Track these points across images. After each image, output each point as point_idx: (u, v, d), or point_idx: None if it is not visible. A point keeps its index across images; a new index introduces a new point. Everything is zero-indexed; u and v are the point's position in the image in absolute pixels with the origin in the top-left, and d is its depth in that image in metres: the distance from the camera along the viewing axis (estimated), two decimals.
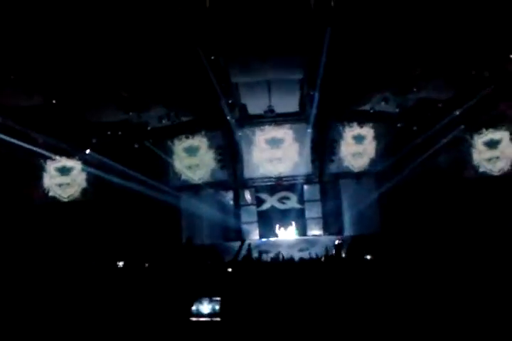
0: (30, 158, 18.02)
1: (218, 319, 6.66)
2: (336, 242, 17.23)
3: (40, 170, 18.92)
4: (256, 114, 19.09)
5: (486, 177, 18.38)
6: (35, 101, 16.02)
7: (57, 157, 18.66)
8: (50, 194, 19.03)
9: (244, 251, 17.64)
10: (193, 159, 19.71)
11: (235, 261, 14.92)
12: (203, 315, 6.74)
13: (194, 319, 6.72)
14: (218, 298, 6.81)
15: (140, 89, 16.19)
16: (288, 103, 18.51)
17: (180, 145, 19.72)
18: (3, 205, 17.34)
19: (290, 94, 17.83)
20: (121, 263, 14.62)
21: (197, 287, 8.61)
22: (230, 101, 17.68)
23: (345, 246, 16.86)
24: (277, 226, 20.23)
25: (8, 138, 16.13)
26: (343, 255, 16.02)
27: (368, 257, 11.85)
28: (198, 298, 6.90)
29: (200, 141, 19.67)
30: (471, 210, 17.19)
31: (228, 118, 18.42)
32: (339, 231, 19.73)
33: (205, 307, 6.73)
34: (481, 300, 7.21)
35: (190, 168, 19.73)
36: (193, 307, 6.74)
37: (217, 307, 6.69)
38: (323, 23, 13.33)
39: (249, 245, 18.17)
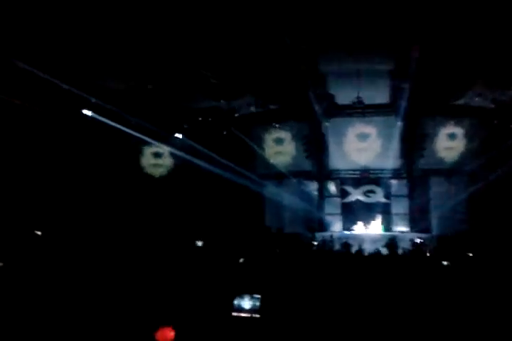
0: (133, 143, 19.31)
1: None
2: (417, 241, 16.75)
3: (140, 153, 20.35)
4: (344, 105, 18.67)
5: None
6: (132, 85, 16.82)
7: (153, 141, 19.57)
8: (146, 171, 20.44)
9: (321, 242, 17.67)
10: (279, 148, 19.84)
11: (308, 251, 15.00)
12: None
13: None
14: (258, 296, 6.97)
15: (231, 76, 16.48)
16: (377, 94, 17.91)
17: (266, 134, 19.90)
18: (113, 178, 18.88)
19: (380, 85, 17.19)
20: (200, 243, 15.24)
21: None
22: (318, 91, 17.47)
23: (428, 246, 16.49)
24: (357, 222, 19.94)
25: (118, 126, 17.40)
26: (426, 254, 15.69)
27: (445, 263, 11.43)
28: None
29: (286, 130, 19.75)
30: None
31: (316, 108, 18.23)
32: (426, 229, 19.09)
33: (247, 303, 6.89)
34: None
35: (275, 156, 19.90)
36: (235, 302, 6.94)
37: (257, 303, 6.85)
38: (419, 14, 12.81)
39: (331, 237, 18.17)
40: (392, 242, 16.99)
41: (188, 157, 19.38)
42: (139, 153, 20.20)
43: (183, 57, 15.08)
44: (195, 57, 15.16)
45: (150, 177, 20.17)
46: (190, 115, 19.23)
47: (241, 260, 13.22)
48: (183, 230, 17.46)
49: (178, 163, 19.97)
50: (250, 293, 7.05)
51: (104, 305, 7.45)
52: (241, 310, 6.91)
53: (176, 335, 6.06)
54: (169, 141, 19.67)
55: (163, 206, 19.08)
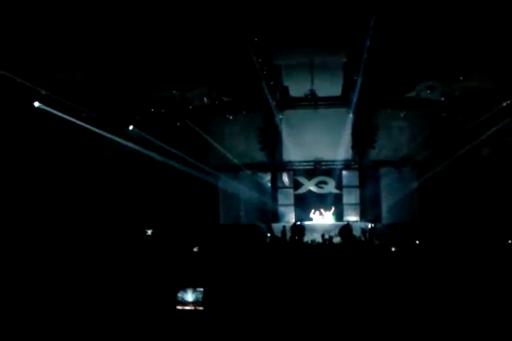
0: (83, 135, 18.66)
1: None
2: (368, 226, 17.18)
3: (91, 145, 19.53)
4: (297, 97, 18.95)
5: None
6: (83, 75, 16.34)
7: (104, 133, 19.02)
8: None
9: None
10: (233, 139, 19.91)
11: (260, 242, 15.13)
12: None
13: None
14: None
15: (184, 68, 16.28)
16: (330, 87, 18.21)
17: (220, 125, 19.87)
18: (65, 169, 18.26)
19: (333, 78, 17.49)
20: (149, 231, 15.24)
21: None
22: (271, 83, 17.51)
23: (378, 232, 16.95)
24: (312, 210, 20.22)
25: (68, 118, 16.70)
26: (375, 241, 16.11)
27: (393, 249, 11.80)
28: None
29: (240, 122, 19.79)
30: None
31: (269, 100, 18.26)
32: (377, 219, 19.55)
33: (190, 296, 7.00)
34: None
35: (229, 148, 19.91)
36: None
37: (200, 296, 6.98)
38: (369, 8, 13.03)
39: (284, 227, 18.36)
40: (346, 230, 17.40)
41: (140, 149, 19.02)
42: (91, 145, 19.68)
43: (135, 47, 14.80)
44: (149, 48, 14.90)
45: (102, 168, 19.72)
46: (143, 106, 18.87)
47: (195, 249, 13.21)
48: (134, 220, 17.41)
49: (131, 155, 19.58)
50: (194, 285, 7.14)
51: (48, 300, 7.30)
52: (185, 303, 7.01)
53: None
54: (121, 132, 19.27)
55: (116, 197, 18.74)
